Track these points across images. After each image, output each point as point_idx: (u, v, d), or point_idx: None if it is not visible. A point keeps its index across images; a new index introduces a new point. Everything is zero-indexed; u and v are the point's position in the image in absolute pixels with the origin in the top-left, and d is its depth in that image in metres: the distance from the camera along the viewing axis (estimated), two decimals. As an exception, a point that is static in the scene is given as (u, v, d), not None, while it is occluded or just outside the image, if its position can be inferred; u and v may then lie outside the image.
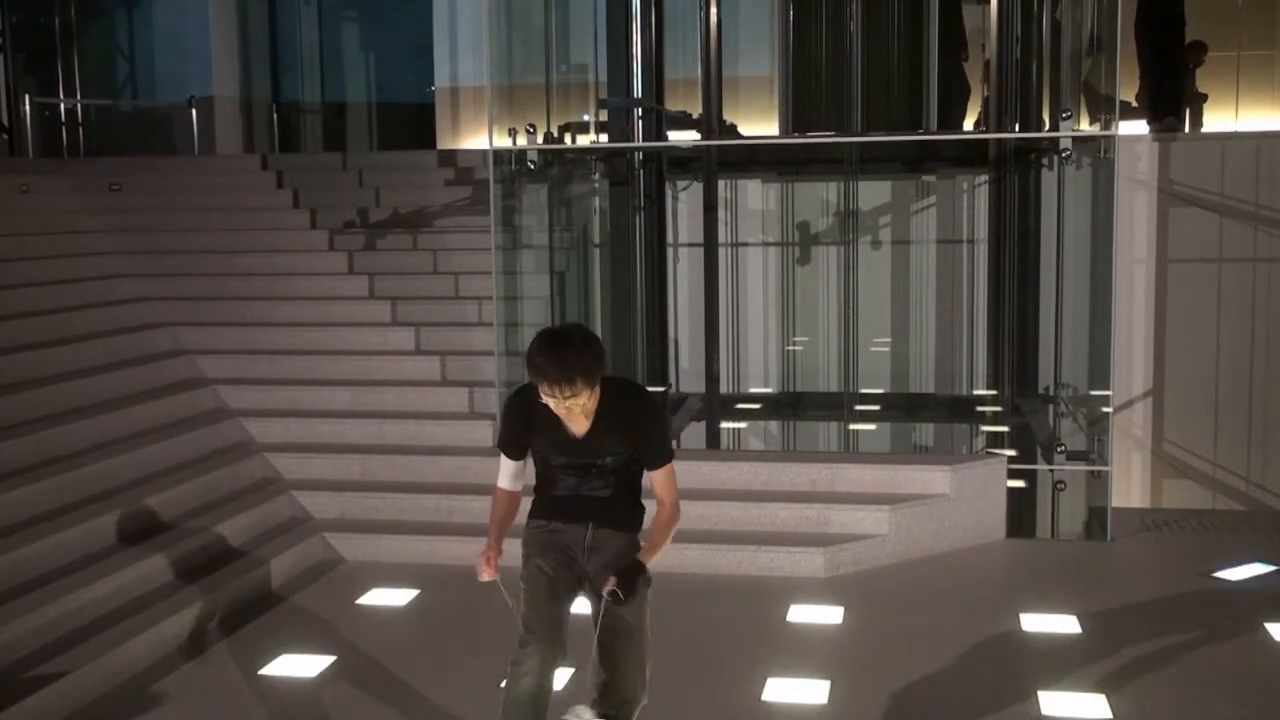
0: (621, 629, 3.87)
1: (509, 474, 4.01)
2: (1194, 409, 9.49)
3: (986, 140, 9.52)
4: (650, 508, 3.99)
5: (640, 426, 3.87)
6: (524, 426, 3.88)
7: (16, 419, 6.85)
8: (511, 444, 3.97)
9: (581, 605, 4.01)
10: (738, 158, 10.13)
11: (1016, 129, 9.12)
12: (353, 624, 6.11)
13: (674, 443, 4.02)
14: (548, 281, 9.00)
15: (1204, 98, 11.03)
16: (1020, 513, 7.61)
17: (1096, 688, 5.13)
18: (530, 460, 4.01)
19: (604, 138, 9.28)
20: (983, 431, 9.33)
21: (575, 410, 3.70)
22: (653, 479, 3.93)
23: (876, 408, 9.75)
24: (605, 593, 3.70)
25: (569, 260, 9.40)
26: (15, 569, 5.66)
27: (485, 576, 3.83)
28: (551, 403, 3.69)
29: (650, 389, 8.75)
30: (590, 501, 3.90)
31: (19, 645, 5.22)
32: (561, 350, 3.62)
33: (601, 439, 3.82)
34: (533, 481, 4.05)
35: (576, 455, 3.85)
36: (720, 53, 9.16)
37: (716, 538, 6.89)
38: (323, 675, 5.44)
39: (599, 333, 9.11)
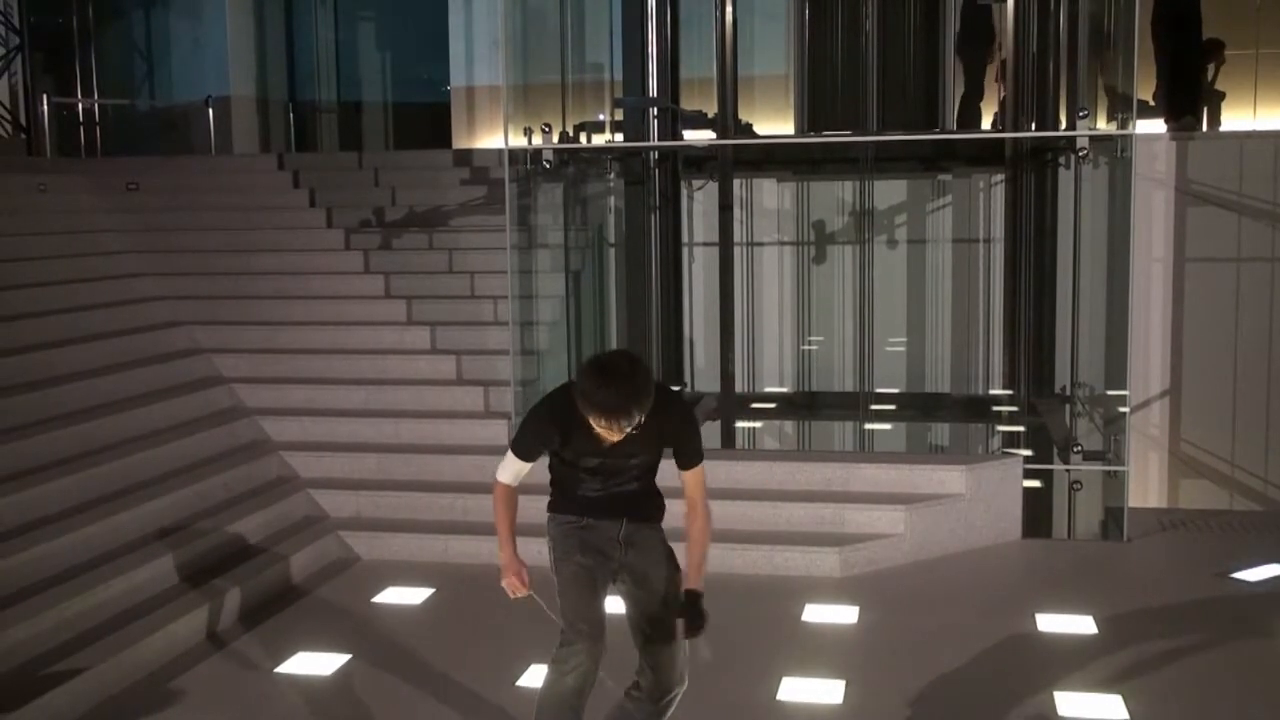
0: (665, 620, 3.93)
1: (513, 473, 4.02)
2: (1211, 409, 9.44)
3: (1003, 139, 9.49)
4: (680, 506, 4.03)
5: (674, 432, 3.92)
6: (559, 438, 3.86)
7: (34, 417, 6.89)
8: (533, 451, 3.97)
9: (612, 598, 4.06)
10: (753, 157, 10.11)
11: (1033, 128, 9.08)
12: (368, 622, 6.13)
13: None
14: (563, 280, 9.00)
15: (1222, 96, 10.97)
16: (1036, 513, 7.58)
17: (1113, 688, 5.12)
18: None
19: (619, 137, 9.27)
20: (999, 431, 9.30)
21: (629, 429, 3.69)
22: (684, 478, 3.98)
23: (892, 407, 9.73)
24: (682, 635, 3.86)
25: (584, 259, 9.40)
26: (34, 566, 5.70)
27: (521, 593, 3.98)
28: (601, 430, 3.68)
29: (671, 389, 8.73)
30: (620, 498, 3.95)
31: (38, 642, 5.25)
32: (617, 385, 3.59)
33: (635, 444, 3.83)
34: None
35: (610, 458, 3.87)
36: (736, 52, 9.13)
37: (732, 537, 6.88)
38: (339, 673, 5.45)
39: (614, 332, 9.19)
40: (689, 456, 3.95)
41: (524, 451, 3.98)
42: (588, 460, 3.89)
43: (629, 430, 3.65)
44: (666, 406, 3.89)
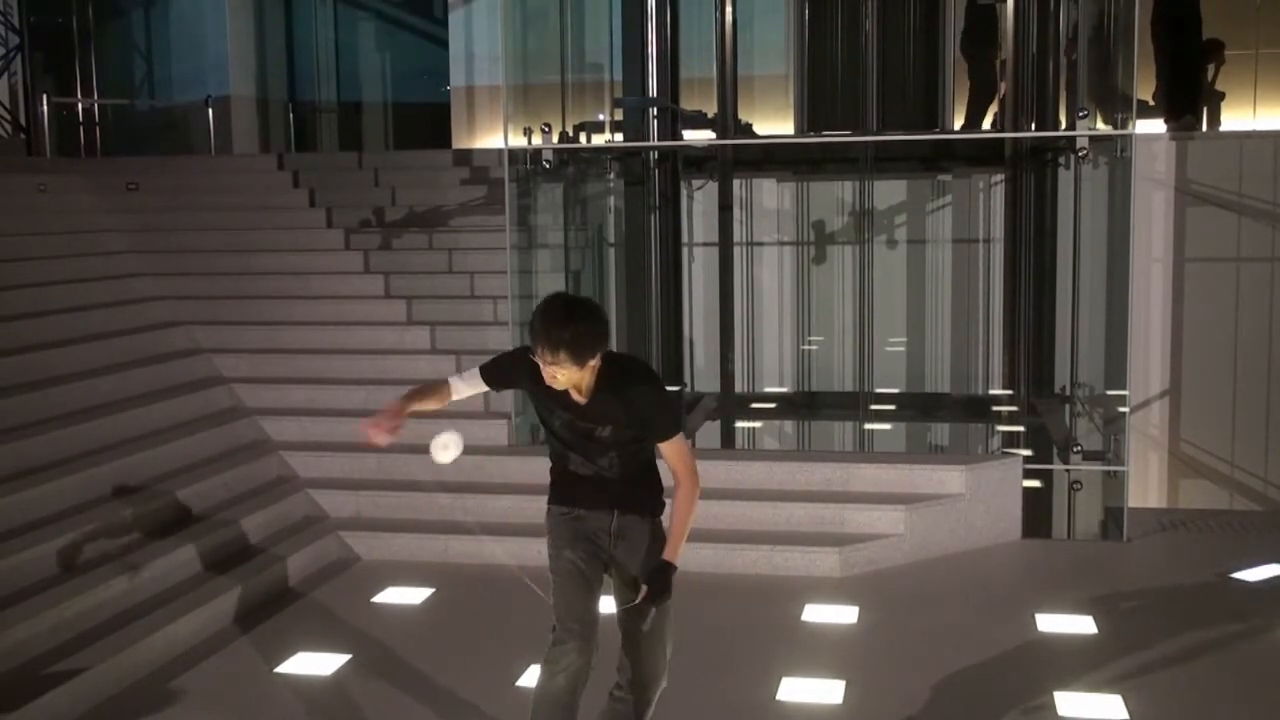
0: (646, 617, 3.91)
1: (466, 387, 4.09)
2: (1211, 409, 9.45)
3: (1003, 139, 9.49)
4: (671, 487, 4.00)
5: (636, 402, 3.85)
6: (528, 378, 3.88)
7: (34, 417, 6.88)
8: (493, 371, 4.03)
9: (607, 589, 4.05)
10: (753, 157, 10.12)
11: (1033, 128, 9.09)
12: (368, 622, 6.13)
13: (681, 419, 4.04)
14: (563, 281, 9.00)
15: (1222, 96, 10.98)
16: (1036, 513, 7.58)
17: (1113, 688, 5.12)
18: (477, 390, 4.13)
19: (619, 137, 9.28)
20: (998, 431, 9.30)
21: (559, 378, 3.73)
22: (663, 453, 3.94)
23: (892, 407, 9.73)
24: (639, 601, 3.77)
25: (584, 259, 9.41)
26: (33, 566, 5.69)
27: (381, 438, 4.03)
28: (539, 361, 3.73)
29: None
30: (610, 487, 3.94)
31: (38, 642, 5.25)
32: (559, 322, 3.65)
33: (598, 409, 3.84)
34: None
35: (577, 417, 3.87)
36: (735, 51, 9.15)
37: (731, 537, 6.89)
38: (339, 673, 5.45)
39: (614, 331, 9.17)
40: (661, 431, 3.90)
41: (487, 369, 4.04)
42: (555, 419, 3.91)
43: (550, 369, 3.68)
44: (627, 377, 3.86)
